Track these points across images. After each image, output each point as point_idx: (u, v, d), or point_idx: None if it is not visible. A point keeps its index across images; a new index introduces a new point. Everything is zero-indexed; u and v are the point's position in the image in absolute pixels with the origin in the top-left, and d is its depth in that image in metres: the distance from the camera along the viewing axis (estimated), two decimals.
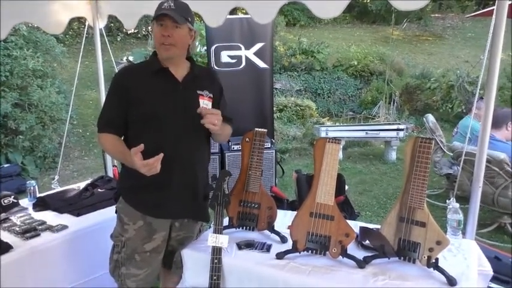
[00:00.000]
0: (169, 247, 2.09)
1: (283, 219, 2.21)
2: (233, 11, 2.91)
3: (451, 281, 1.67)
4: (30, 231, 2.31)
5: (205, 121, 1.82)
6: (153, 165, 1.74)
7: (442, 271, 1.71)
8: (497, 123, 3.57)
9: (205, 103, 1.91)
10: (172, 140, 1.90)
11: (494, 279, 2.32)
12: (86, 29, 3.51)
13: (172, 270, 2.17)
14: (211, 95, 1.97)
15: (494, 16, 2.10)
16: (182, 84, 1.94)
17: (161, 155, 1.74)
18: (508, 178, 3.56)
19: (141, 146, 1.73)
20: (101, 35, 3.41)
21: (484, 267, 1.91)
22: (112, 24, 10.63)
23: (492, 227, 3.84)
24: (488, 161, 3.30)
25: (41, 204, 2.71)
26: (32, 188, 2.83)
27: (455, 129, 4.72)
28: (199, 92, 1.93)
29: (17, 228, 2.33)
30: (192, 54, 2.04)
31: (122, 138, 1.98)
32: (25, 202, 2.80)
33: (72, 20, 3.30)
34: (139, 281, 2.00)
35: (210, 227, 2.20)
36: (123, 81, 1.95)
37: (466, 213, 2.28)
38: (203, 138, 2.04)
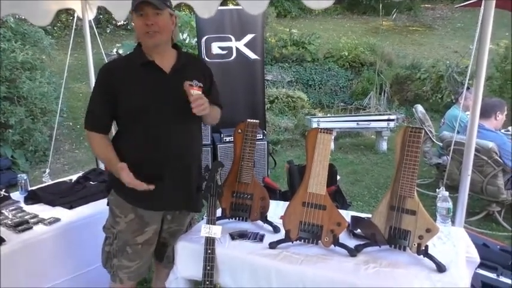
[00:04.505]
0: (161, 239, 2.09)
1: (276, 209, 2.23)
2: (223, 3, 2.89)
3: (441, 267, 1.71)
4: (22, 224, 2.30)
5: (195, 111, 1.81)
6: (137, 186, 1.81)
7: (431, 258, 1.75)
8: (485, 113, 3.61)
9: (195, 93, 1.87)
10: (163, 133, 1.90)
11: (482, 265, 2.38)
12: (74, 21, 3.46)
13: (163, 264, 2.18)
14: (201, 84, 1.92)
15: (482, 7, 2.12)
16: (170, 75, 1.91)
17: (152, 187, 1.82)
18: (496, 167, 3.61)
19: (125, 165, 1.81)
20: (90, 26, 3.37)
21: (471, 254, 1.95)
22: (101, 16, 10.51)
23: (481, 215, 3.90)
24: (476, 150, 3.34)
25: (33, 197, 2.70)
26: (23, 181, 2.81)
27: (443, 120, 4.77)
28: (188, 82, 1.88)
29: (9, 222, 2.32)
30: (175, 41, 2.00)
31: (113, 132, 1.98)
32: (16, 195, 2.78)
33: (60, 12, 3.25)
34: (131, 272, 2.01)
35: (202, 219, 2.22)
36: (108, 77, 1.92)
37: (455, 202, 2.32)
38: (195, 128, 2.04)
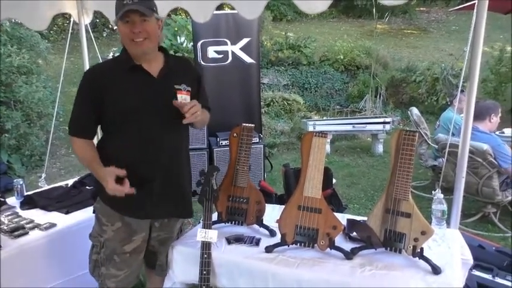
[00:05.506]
0: (149, 247, 2.06)
1: (272, 213, 2.23)
2: (219, 7, 2.91)
3: (436, 269, 1.72)
4: (18, 229, 2.30)
5: (187, 119, 1.79)
6: (122, 192, 1.77)
7: (427, 260, 1.76)
8: (480, 115, 3.63)
9: (183, 97, 1.85)
10: (152, 139, 1.87)
11: (477, 267, 2.40)
12: (71, 25, 3.46)
13: (156, 272, 2.15)
14: (189, 88, 1.90)
15: (475, 11, 2.14)
16: (158, 79, 1.88)
17: (133, 190, 1.77)
18: (491, 168, 3.63)
19: (122, 171, 1.78)
20: (87, 31, 3.37)
21: (465, 256, 1.97)
22: (97, 20, 10.51)
23: (477, 217, 3.91)
24: (471, 152, 3.36)
25: (29, 202, 2.70)
26: (19, 186, 2.80)
27: (438, 122, 4.79)
28: (176, 86, 1.87)
29: (5, 227, 2.32)
30: (161, 44, 1.96)
31: (98, 138, 1.97)
32: (12, 200, 2.78)
33: (56, 16, 3.26)
34: (119, 281, 1.98)
35: (199, 223, 2.22)
36: (94, 81, 1.87)
37: (451, 204, 2.34)
38: (184, 132, 2.02)
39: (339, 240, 1.95)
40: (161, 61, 1.93)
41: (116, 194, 1.77)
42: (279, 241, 1.93)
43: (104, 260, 1.96)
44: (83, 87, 1.90)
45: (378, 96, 8.51)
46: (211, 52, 5.11)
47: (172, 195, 1.98)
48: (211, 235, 1.89)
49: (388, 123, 6.34)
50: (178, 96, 1.85)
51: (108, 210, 1.92)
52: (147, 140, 1.87)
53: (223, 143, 4.62)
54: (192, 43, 6.76)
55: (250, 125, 2.12)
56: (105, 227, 1.94)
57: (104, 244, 1.96)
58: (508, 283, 2.37)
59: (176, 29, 8.25)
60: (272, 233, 2.08)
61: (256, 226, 2.15)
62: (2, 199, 2.68)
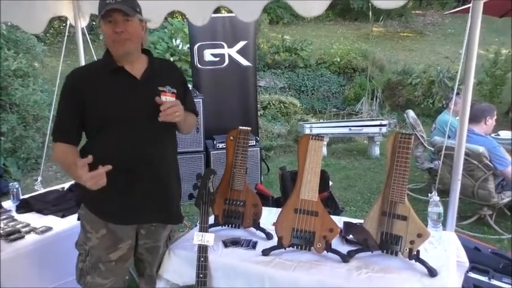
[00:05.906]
0: (138, 255, 2.02)
1: (269, 216, 2.23)
2: (216, 10, 2.91)
3: (432, 272, 1.72)
4: (14, 233, 2.29)
5: (161, 118, 1.73)
6: (100, 177, 1.63)
7: (423, 262, 1.76)
8: (476, 118, 3.65)
9: (168, 99, 1.80)
10: (136, 142, 1.81)
11: (474, 269, 2.40)
12: (67, 28, 3.46)
13: (146, 282, 2.12)
14: (174, 90, 1.84)
15: (470, 14, 2.16)
16: (141, 81, 1.84)
17: (109, 167, 1.64)
18: (487, 171, 3.64)
19: (90, 158, 1.63)
20: (83, 33, 3.37)
21: (461, 258, 1.98)
22: (94, 23, 10.49)
23: (473, 219, 3.93)
24: (467, 154, 3.38)
25: (25, 206, 2.68)
26: (15, 190, 2.79)
27: (434, 125, 4.81)
28: (160, 88, 1.82)
29: (1, 231, 2.30)
30: (145, 47, 1.93)
31: (81, 144, 1.89)
32: (8, 204, 2.76)
33: (52, 19, 3.25)
34: None
35: (196, 225, 2.21)
36: (76, 84, 1.82)
37: (447, 206, 2.35)
38: (169, 135, 1.95)
39: (336, 243, 1.95)
40: (145, 63, 1.90)
41: (98, 185, 1.64)
42: (276, 244, 1.93)
43: (90, 269, 1.91)
44: (64, 91, 1.85)
45: (374, 99, 8.55)
46: (207, 55, 5.13)
47: (158, 201, 1.91)
48: (208, 238, 1.89)
49: (385, 125, 6.36)
50: (162, 97, 1.80)
51: (93, 217, 1.87)
52: (131, 143, 1.81)
53: (220, 146, 4.62)
54: (187, 45, 6.77)
55: (246, 128, 2.12)
56: (90, 234, 1.88)
57: (89, 252, 1.90)
58: (504, 285, 2.38)
59: (173, 31, 8.26)
60: (269, 236, 2.08)
61: (253, 229, 2.15)
62: None
